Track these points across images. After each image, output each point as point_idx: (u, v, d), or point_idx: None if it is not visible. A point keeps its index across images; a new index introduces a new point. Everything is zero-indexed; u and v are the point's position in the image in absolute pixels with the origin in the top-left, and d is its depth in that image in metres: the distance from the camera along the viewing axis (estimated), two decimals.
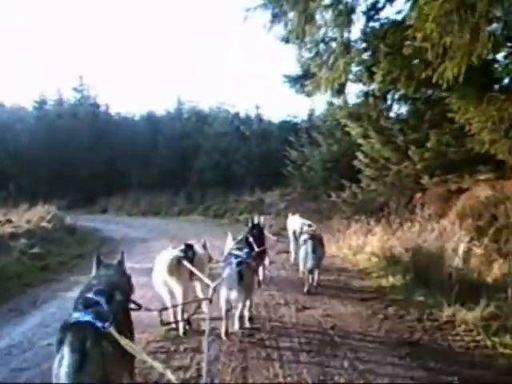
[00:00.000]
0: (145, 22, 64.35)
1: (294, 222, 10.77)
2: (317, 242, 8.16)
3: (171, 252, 5.94)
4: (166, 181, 31.13)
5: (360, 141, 12.97)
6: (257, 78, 58.47)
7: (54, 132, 33.16)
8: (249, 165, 31.67)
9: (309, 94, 13.33)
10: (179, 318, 5.86)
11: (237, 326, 5.79)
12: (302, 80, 13.74)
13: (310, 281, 8.18)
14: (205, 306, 5.77)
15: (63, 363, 2.74)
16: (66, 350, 2.77)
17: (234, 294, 5.52)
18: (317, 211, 16.90)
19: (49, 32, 64.88)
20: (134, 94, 61.73)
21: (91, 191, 30.68)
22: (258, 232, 7.92)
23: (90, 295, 3.27)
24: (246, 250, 6.11)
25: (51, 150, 32.23)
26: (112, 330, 2.96)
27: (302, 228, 9.42)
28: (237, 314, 5.81)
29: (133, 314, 3.74)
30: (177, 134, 35.08)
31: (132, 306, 3.78)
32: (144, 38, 65.33)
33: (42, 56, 61.15)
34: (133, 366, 3.40)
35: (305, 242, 8.23)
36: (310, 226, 9.27)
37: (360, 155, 12.90)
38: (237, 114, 36.28)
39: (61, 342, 2.83)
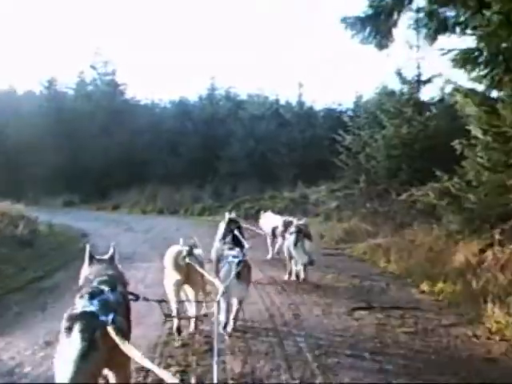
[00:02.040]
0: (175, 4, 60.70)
1: (271, 219, 10.97)
2: (301, 236, 8.26)
3: (175, 248, 5.90)
4: (191, 172, 28.43)
5: (471, 111, 8.49)
6: (296, 63, 54.10)
7: (64, 116, 30.56)
8: (289, 153, 28.36)
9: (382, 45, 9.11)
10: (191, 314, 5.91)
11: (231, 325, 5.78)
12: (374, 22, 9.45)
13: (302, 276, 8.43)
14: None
15: (70, 351, 2.80)
16: (75, 339, 2.84)
17: (233, 293, 5.64)
18: (386, 215, 12.65)
19: (69, 14, 61.90)
20: (164, 79, 58.58)
21: (105, 184, 27.89)
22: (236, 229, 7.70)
23: (95, 284, 3.40)
24: (238, 249, 6.23)
25: (60, 137, 29.66)
26: (111, 330, 2.97)
27: (286, 224, 9.47)
28: (232, 314, 5.83)
29: None
30: (207, 120, 32.32)
31: (130, 297, 3.87)
32: (176, 20, 61.51)
33: (59, 41, 58.66)
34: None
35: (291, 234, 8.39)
36: (299, 219, 9.33)
37: (476, 130, 8.40)
38: (276, 101, 32.75)
39: (69, 330, 2.90)
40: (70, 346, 2.84)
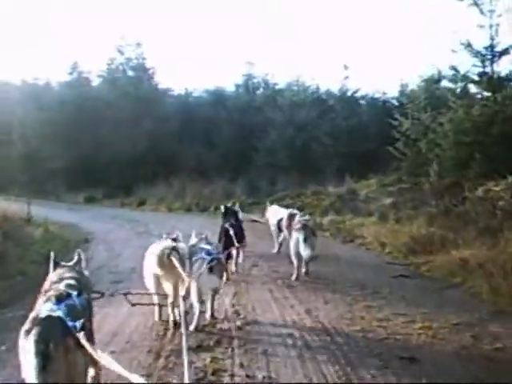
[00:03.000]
0: None
1: (277, 212, 10.97)
2: (309, 232, 8.29)
3: (162, 244, 6.05)
4: (224, 165, 26.72)
5: None
6: (335, 50, 51.50)
7: (87, 105, 28.84)
8: (334, 143, 25.85)
9: None
10: (170, 312, 6.01)
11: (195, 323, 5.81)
12: None
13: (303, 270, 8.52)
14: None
15: (28, 362, 2.87)
16: (30, 349, 2.88)
17: (204, 289, 5.80)
18: (464, 216, 10.27)
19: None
20: (198, 68, 56.71)
21: (130, 178, 26.05)
22: (235, 220, 8.50)
23: (61, 287, 3.49)
24: (215, 244, 6.56)
25: (82, 127, 28.10)
26: (82, 337, 3.04)
27: (290, 217, 9.56)
28: (208, 307, 6.10)
29: None
30: (243, 108, 30.40)
31: (94, 295, 4.09)
32: (211, 6, 59.68)
33: (84, 26, 57.59)
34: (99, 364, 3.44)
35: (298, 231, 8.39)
36: (302, 215, 9.42)
37: None
38: (317, 88, 30.65)
39: (27, 333, 2.95)
40: (27, 353, 2.91)
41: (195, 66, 59.84)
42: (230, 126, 29.35)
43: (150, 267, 5.97)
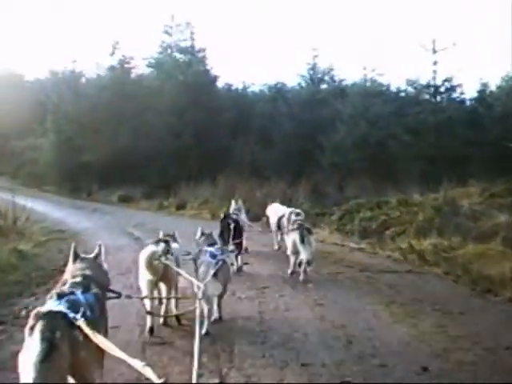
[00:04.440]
0: None
1: (278, 210, 10.91)
2: (306, 232, 8.35)
3: (150, 248, 5.92)
4: (283, 165, 23.51)
5: None
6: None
7: (127, 90, 25.93)
8: (416, 140, 21.98)
9: None
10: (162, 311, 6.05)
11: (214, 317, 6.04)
12: None
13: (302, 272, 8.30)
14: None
15: (31, 352, 2.86)
16: (35, 339, 2.91)
17: (210, 292, 5.70)
18: None
19: None
20: (256, 60, 53.59)
21: (172, 176, 22.88)
22: (233, 223, 8.62)
23: (64, 288, 3.51)
24: (217, 246, 6.45)
25: (121, 116, 25.24)
26: (82, 323, 3.10)
27: (290, 216, 9.47)
28: (214, 310, 6.10)
29: None
30: (305, 101, 27.19)
31: (111, 294, 4.12)
32: None
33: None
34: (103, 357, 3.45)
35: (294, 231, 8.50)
36: (298, 214, 9.40)
37: None
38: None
39: (31, 330, 2.96)
40: (31, 347, 2.90)
41: (252, 58, 57.36)
42: (290, 122, 26.33)
43: (143, 273, 5.86)
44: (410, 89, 25.23)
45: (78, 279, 3.64)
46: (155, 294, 6.01)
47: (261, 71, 63.51)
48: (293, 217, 9.12)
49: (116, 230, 13.69)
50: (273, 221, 11.00)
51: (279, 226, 10.38)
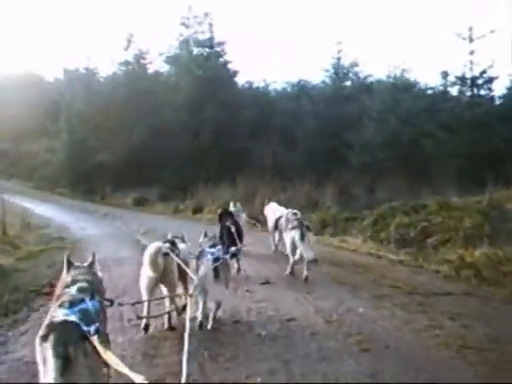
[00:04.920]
0: None
1: (276, 210, 10.90)
2: (304, 230, 8.35)
3: (155, 244, 5.85)
4: (307, 165, 22.01)
5: None
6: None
7: (142, 86, 24.58)
8: (451, 137, 20.34)
9: None
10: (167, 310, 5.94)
11: (210, 323, 5.90)
12: None
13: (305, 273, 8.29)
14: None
15: (48, 367, 2.97)
16: (48, 355, 2.98)
17: (210, 294, 5.78)
18: None
19: None
20: (278, 58, 52.27)
21: (189, 177, 21.57)
22: (232, 223, 8.57)
23: (73, 292, 3.55)
24: (219, 247, 6.36)
25: (135, 113, 23.83)
26: (95, 340, 3.18)
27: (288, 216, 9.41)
28: (211, 312, 5.98)
29: None
30: (330, 97, 25.92)
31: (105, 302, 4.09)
32: None
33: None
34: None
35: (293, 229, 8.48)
36: (295, 214, 9.19)
37: None
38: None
39: (44, 340, 3.03)
40: (47, 358, 2.98)
41: (273, 55, 55.98)
42: (313, 120, 24.84)
43: (144, 270, 5.76)
44: (441, 83, 23.55)
45: (84, 284, 3.66)
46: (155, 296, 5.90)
47: (282, 68, 61.76)
48: (290, 215, 9.07)
49: (123, 237, 12.48)
50: (271, 221, 10.94)
51: (277, 227, 10.37)
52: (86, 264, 4.19)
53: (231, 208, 10.24)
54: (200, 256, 6.13)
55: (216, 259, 5.79)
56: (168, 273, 5.68)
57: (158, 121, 23.34)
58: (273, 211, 11.00)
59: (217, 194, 18.80)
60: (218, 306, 5.97)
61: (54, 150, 26.03)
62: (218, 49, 24.98)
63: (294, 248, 8.40)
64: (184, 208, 19.03)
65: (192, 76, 23.99)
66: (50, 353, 2.93)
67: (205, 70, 24.09)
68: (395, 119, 21.77)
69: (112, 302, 4.14)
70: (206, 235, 6.59)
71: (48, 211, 17.60)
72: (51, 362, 2.91)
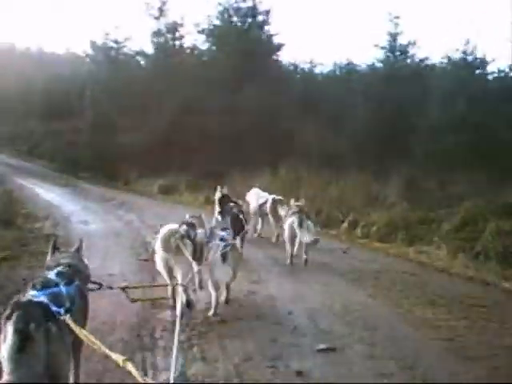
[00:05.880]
0: None
1: (258, 195, 10.98)
2: (304, 216, 8.45)
3: (169, 227, 6.04)
4: (361, 153, 18.76)
5: None
6: None
7: (174, 60, 21.92)
8: None
9: None
10: (177, 297, 5.88)
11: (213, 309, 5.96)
12: None
13: (304, 256, 8.48)
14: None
15: (6, 344, 2.94)
16: (9, 331, 2.96)
17: (219, 276, 5.87)
18: None
19: None
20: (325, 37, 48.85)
21: (223, 162, 18.54)
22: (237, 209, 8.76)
23: (50, 276, 3.64)
24: (229, 230, 6.60)
25: (165, 89, 20.77)
26: (68, 319, 3.20)
27: (275, 202, 10.02)
28: (222, 297, 6.18)
29: None
30: (386, 80, 22.14)
31: (92, 286, 4.33)
32: None
33: None
34: (80, 351, 3.77)
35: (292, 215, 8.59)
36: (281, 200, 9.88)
37: None
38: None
39: (7, 319, 3.01)
40: (6, 338, 2.95)
41: (319, 34, 52.65)
42: (366, 103, 21.52)
43: (158, 250, 5.94)
44: None
45: (64, 268, 3.75)
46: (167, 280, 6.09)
47: (329, 48, 57.55)
48: (292, 202, 9.13)
49: (130, 238, 10.10)
50: (253, 206, 10.89)
51: (261, 213, 10.64)
52: (71, 249, 4.34)
53: (218, 192, 9.91)
54: (210, 238, 6.34)
55: (226, 245, 5.89)
56: (180, 255, 5.69)
57: (190, 98, 20.45)
58: (256, 197, 11.04)
59: (255, 183, 15.81)
60: (227, 289, 6.21)
61: (79, 130, 23.71)
62: (261, 18, 21.90)
63: (292, 234, 8.48)
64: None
65: (231, 48, 21.06)
66: (10, 330, 2.91)
67: (245, 41, 21.09)
68: (464, 101, 18.45)
69: (101, 285, 4.43)
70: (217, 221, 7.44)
71: (58, 198, 15.28)
72: (9, 338, 2.89)
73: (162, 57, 22.17)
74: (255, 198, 10.94)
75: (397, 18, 23.56)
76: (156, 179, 19.37)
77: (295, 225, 8.23)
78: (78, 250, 4.30)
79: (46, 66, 35.91)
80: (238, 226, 8.07)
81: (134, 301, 5.55)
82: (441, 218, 10.58)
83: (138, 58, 23.21)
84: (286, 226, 8.62)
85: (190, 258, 5.65)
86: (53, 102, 29.05)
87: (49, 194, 15.80)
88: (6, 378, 2.83)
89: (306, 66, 28.03)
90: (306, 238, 8.06)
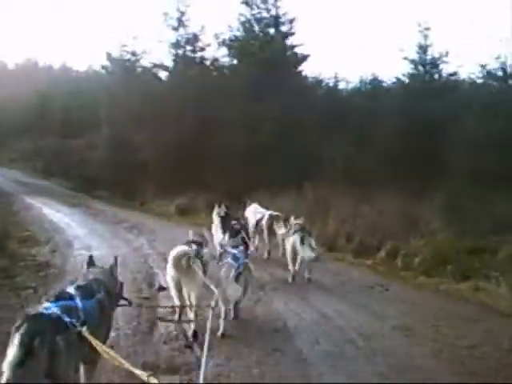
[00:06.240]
0: None
1: (256, 212, 10.95)
2: (306, 233, 8.45)
3: (180, 248, 6.05)
4: (390, 171, 17.43)
5: None
6: None
7: (193, 71, 20.76)
8: None
9: None
10: (191, 317, 6.00)
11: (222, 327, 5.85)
12: None
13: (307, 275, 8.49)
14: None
15: (9, 354, 2.93)
16: (15, 342, 2.95)
17: (230, 294, 5.81)
18: None
19: None
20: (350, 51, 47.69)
21: (245, 181, 17.22)
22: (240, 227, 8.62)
23: (69, 289, 3.68)
24: (241, 248, 6.45)
25: (183, 104, 19.88)
26: (85, 332, 3.23)
27: (272, 219, 10.04)
28: (231, 313, 6.25)
29: None
30: (415, 94, 21.27)
31: (122, 302, 4.44)
32: None
33: None
34: (95, 365, 3.76)
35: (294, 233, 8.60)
36: (278, 216, 9.94)
37: None
38: None
39: (17, 330, 3.01)
40: (11, 348, 2.94)
41: (344, 47, 51.33)
42: (395, 118, 20.45)
43: (169, 270, 5.89)
44: None
45: (84, 283, 3.85)
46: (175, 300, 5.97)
47: (354, 62, 56.02)
48: (292, 220, 9.06)
49: (134, 268, 8.71)
50: (252, 223, 10.82)
51: (257, 229, 10.62)
52: (106, 266, 4.45)
53: (215, 211, 9.91)
54: (222, 257, 6.38)
55: (239, 265, 5.85)
56: (191, 276, 5.64)
57: (209, 112, 19.36)
58: (254, 213, 10.96)
59: (279, 204, 14.47)
60: (236, 307, 6.25)
61: (93, 147, 22.75)
62: (284, 28, 20.64)
63: (294, 253, 8.49)
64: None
65: (252, 59, 19.89)
66: (15, 342, 2.90)
67: (268, 52, 19.78)
68: (504, 115, 16.89)
69: (130, 303, 4.53)
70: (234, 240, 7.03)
71: (66, 219, 14.05)
72: (13, 349, 2.88)
73: (181, 69, 21.12)
74: (253, 214, 10.92)
75: (427, 29, 22.60)
76: (174, 198, 18.10)
77: (297, 243, 8.26)
78: (112, 267, 4.44)
79: (65, 83, 35.76)
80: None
81: (161, 320, 5.83)
82: (494, 247, 9.07)
83: (156, 70, 22.12)
84: (289, 245, 8.67)
85: (203, 278, 5.66)
86: (71, 119, 28.64)
87: (57, 215, 14.61)
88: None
89: (331, 81, 27.12)
90: (307, 255, 8.06)
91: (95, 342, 3.13)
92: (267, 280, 8.54)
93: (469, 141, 16.77)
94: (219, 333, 5.64)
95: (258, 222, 10.47)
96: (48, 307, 3.17)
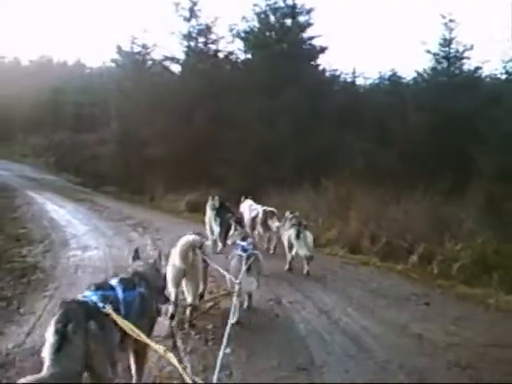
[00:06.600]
0: None
1: (251, 208, 10.81)
2: (302, 228, 8.43)
3: (190, 237, 5.78)
4: (412, 169, 16.45)
5: None
6: None
7: (206, 66, 19.90)
8: None
9: None
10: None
11: (236, 316, 5.77)
12: None
13: (307, 268, 8.41)
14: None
15: (46, 343, 2.97)
16: (51, 330, 3.00)
17: (243, 286, 5.66)
18: None
19: None
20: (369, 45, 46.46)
21: (259, 178, 16.31)
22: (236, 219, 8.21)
23: (111, 281, 3.77)
24: (250, 240, 6.42)
25: (196, 99, 18.86)
26: (110, 310, 3.26)
27: (266, 214, 9.92)
28: (244, 304, 6.21)
29: None
30: (439, 89, 20.39)
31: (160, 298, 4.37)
32: None
33: None
34: (144, 356, 3.84)
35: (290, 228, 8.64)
36: (272, 212, 9.88)
37: None
38: None
39: (54, 317, 3.10)
40: (47, 336, 2.98)
41: (363, 41, 50.20)
42: (417, 113, 19.42)
43: (172, 261, 5.64)
44: None
45: (127, 276, 3.89)
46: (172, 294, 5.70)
47: (373, 56, 54.68)
48: (287, 214, 9.15)
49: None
50: (247, 219, 10.68)
51: (253, 225, 10.44)
52: (150, 260, 4.41)
53: (209, 203, 10.16)
54: (232, 248, 6.44)
55: (248, 256, 5.83)
56: (194, 267, 5.56)
57: (222, 107, 18.44)
58: (249, 209, 10.90)
59: (295, 202, 13.33)
60: (249, 298, 6.24)
61: (104, 142, 21.93)
62: (301, 19, 19.58)
63: (290, 246, 8.54)
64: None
65: (268, 51, 18.83)
66: (51, 329, 2.95)
67: (285, 44, 18.87)
68: None
69: (167, 299, 4.54)
70: (236, 229, 6.95)
71: (68, 215, 13.21)
72: (50, 337, 2.91)
73: (193, 62, 20.16)
74: (248, 210, 10.83)
75: (452, 21, 21.36)
76: (185, 195, 17.26)
77: (292, 236, 8.36)
78: (156, 260, 4.41)
79: (79, 79, 35.27)
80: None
81: (171, 317, 5.66)
82: None
83: (167, 63, 21.17)
84: (285, 239, 8.75)
85: (217, 267, 5.83)
86: (83, 114, 28.08)
87: (59, 211, 13.72)
88: (43, 372, 2.81)
89: (348, 77, 26.06)
90: (302, 251, 8.16)
91: (120, 320, 3.18)
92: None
93: (499, 137, 15.57)
94: (233, 320, 5.34)
95: (253, 219, 10.37)
96: (88, 296, 3.26)
